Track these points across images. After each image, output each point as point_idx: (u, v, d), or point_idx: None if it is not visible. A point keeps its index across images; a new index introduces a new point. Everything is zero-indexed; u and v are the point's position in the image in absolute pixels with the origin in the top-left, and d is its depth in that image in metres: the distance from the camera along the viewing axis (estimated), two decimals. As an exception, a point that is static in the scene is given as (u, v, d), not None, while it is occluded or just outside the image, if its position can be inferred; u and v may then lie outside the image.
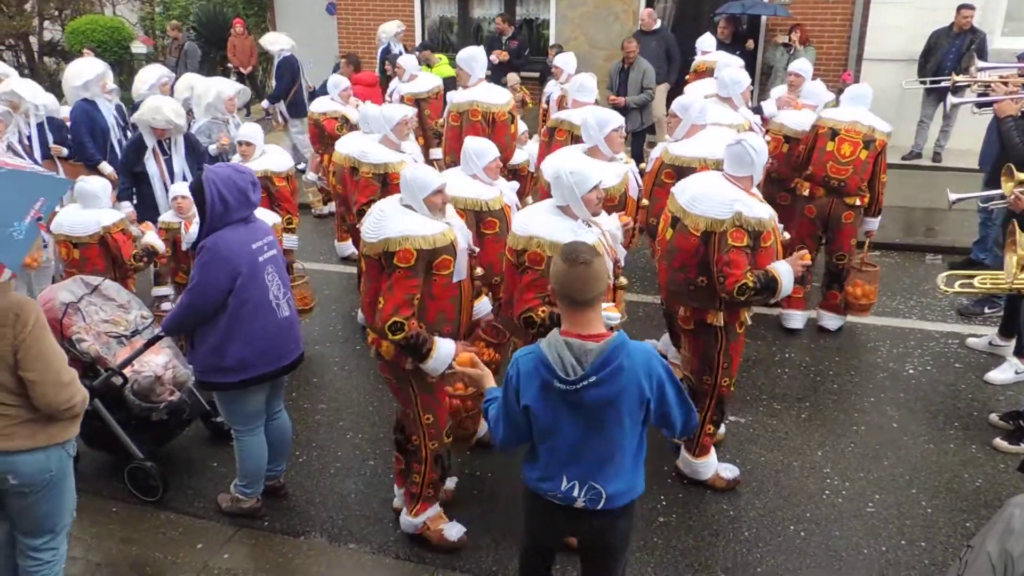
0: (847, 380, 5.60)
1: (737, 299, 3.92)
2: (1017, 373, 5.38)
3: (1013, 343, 5.54)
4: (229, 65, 12.79)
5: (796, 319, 6.23)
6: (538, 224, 3.62)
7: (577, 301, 2.61)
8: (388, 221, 3.54)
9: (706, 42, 8.23)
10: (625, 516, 2.85)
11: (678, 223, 4.11)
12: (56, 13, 17.07)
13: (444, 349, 3.58)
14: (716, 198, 3.97)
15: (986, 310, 6.38)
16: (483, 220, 4.42)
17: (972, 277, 4.18)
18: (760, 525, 4.21)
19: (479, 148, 4.49)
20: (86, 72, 7.10)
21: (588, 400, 2.59)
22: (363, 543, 4.15)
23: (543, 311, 3.53)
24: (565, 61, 7.75)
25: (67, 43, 15.47)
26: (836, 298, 6.16)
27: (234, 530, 4.21)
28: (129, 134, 7.11)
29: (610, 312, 3.52)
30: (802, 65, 6.96)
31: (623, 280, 4.02)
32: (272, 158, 6.04)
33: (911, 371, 5.67)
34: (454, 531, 4.03)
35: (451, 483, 4.37)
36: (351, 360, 6.01)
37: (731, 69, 6.35)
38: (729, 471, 4.52)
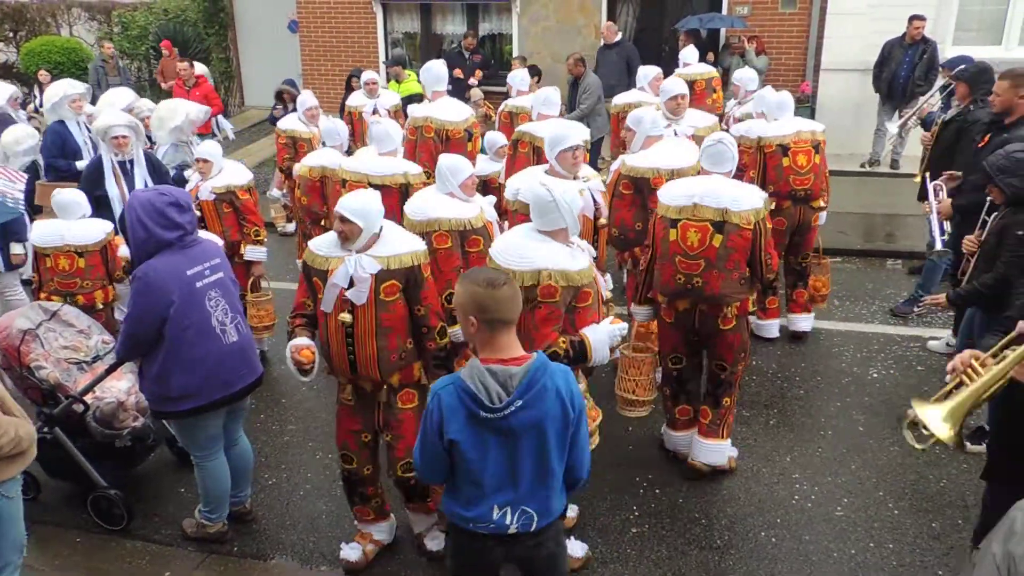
0: (813, 386, 5.67)
1: (774, 278, 4.45)
2: (948, 345, 5.77)
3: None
4: (163, 87, 12.36)
5: (774, 328, 6.32)
6: (541, 256, 3.48)
7: (504, 322, 2.57)
8: None
9: (688, 54, 8.33)
10: (558, 528, 2.84)
11: (724, 226, 4.16)
12: (11, 34, 16.80)
13: (291, 342, 3.74)
14: (748, 191, 4.28)
15: (915, 309, 6.56)
16: (467, 239, 4.38)
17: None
18: (732, 532, 4.23)
19: (454, 165, 4.44)
20: (55, 93, 7.04)
21: (516, 425, 2.55)
22: (334, 565, 4.09)
23: (563, 342, 3.47)
24: (512, 77, 7.78)
25: (23, 64, 15.22)
26: (803, 296, 6.27)
27: (202, 556, 4.14)
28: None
29: (618, 323, 3.61)
30: (745, 74, 7.20)
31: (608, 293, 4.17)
32: (231, 173, 5.98)
33: (875, 375, 5.76)
34: (352, 554, 4.03)
35: (351, 553, 4.04)
36: (319, 379, 5.90)
37: (671, 80, 6.48)
38: (731, 449, 4.76)
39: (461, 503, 2.69)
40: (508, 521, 2.66)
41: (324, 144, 6.73)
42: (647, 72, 7.30)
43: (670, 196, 4.31)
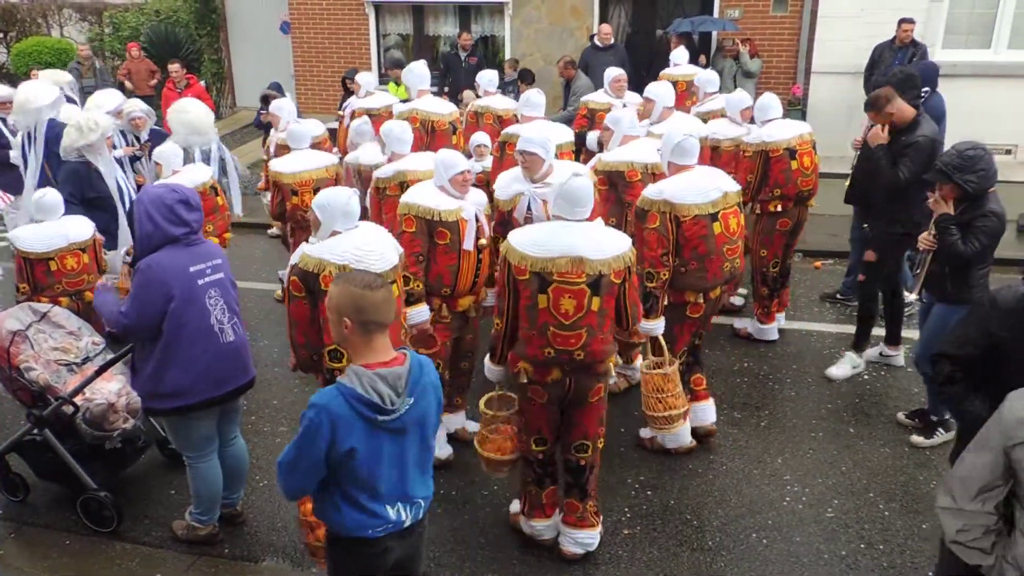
0: (804, 387, 5.69)
1: None
2: (854, 367, 5.77)
3: (901, 350, 5.86)
4: (126, 86, 12.06)
5: (774, 331, 6.36)
6: (620, 237, 3.72)
7: (379, 324, 2.55)
8: None
9: (678, 55, 8.39)
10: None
11: (740, 206, 4.56)
12: (1, 35, 16.72)
13: None
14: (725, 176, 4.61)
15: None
16: (434, 230, 4.39)
17: None
18: (723, 534, 4.24)
19: (446, 160, 4.48)
20: (47, 94, 6.72)
21: (406, 422, 2.58)
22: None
23: None
24: (481, 76, 7.79)
25: (13, 65, 15.16)
26: (786, 294, 6.41)
27: (193, 558, 4.13)
28: None
29: None
30: (705, 75, 7.32)
31: None
32: (183, 176, 5.81)
33: (866, 377, 5.78)
34: None
35: None
36: (311, 381, 5.90)
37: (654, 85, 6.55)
38: None
39: (356, 512, 2.62)
40: (404, 517, 2.69)
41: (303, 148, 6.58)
42: (608, 74, 7.34)
43: (696, 193, 4.34)
